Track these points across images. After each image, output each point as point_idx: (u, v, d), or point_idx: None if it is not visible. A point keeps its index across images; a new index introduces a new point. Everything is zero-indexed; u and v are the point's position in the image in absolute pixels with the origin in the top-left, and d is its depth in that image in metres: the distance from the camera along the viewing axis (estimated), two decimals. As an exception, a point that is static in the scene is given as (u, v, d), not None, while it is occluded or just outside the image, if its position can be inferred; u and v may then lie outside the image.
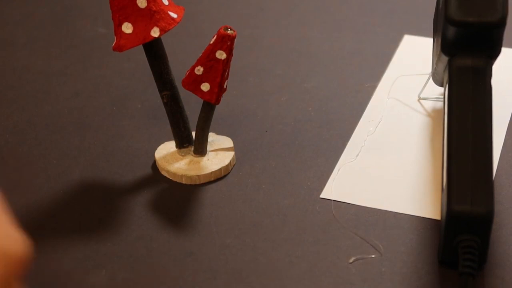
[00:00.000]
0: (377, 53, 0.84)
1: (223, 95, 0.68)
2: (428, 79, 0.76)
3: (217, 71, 0.66)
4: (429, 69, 0.76)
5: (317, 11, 0.92)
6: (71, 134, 0.75)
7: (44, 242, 0.64)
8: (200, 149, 0.70)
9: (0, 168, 0.72)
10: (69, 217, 0.67)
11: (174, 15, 0.65)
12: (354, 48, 0.85)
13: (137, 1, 0.63)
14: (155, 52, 0.66)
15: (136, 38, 0.64)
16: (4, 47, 0.88)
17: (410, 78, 0.80)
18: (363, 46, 0.85)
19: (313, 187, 0.69)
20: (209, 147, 0.71)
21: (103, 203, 0.68)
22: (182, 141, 0.71)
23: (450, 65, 0.65)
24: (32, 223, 0.66)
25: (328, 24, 0.89)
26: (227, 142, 0.72)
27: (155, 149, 0.72)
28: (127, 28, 0.64)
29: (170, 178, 0.70)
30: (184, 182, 0.69)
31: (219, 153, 0.71)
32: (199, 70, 0.66)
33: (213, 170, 0.69)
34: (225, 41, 0.65)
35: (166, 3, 0.65)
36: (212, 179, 0.70)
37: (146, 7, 0.63)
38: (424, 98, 0.78)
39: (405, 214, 0.66)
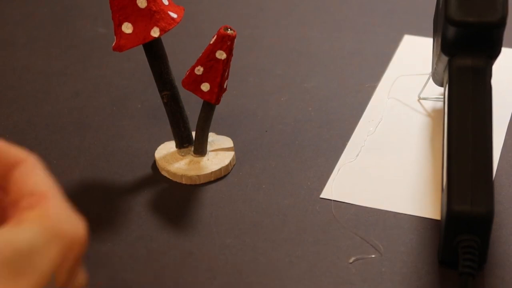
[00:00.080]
0: (377, 53, 0.84)
1: (223, 95, 0.68)
2: (428, 79, 0.76)
3: (217, 71, 0.66)
4: (429, 69, 0.76)
5: (317, 11, 0.92)
6: (71, 134, 0.75)
7: None
8: (200, 149, 0.70)
9: (0, 168, 0.72)
10: (69, 217, 0.67)
11: (174, 15, 0.65)
12: (354, 48, 0.85)
13: (137, 1, 0.63)
14: (155, 52, 0.66)
15: (136, 38, 0.64)
16: (4, 47, 0.88)
17: (410, 78, 0.80)
18: (363, 46, 0.85)
19: (313, 187, 0.69)
20: (209, 147, 0.71)
21: (103, 203, 0.68)
22: (182, 141, 0.71)
23: (450, 65, 0.65)
24: None
25: (328, 24, 0.89)
26: (227, 142, 0.72)
27: (155, 149, 0.72)
28: (127, 28, 0.64)
29: (170, 178, 0.70)
30: (184, 182, 0.69)
31: (219, 153, 0.71)
32: (199, 70, 0.66)
33: (213, 170, 0.69)
34: (225, 41, 0.65)
35: (166, 3, 0.65)
36: (212, 179, 0.70)
37: (146, 7, 0.63)
38: (424, 98, 0.78)
39: (405, 214, 0.66)
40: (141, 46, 0.66)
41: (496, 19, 0.62)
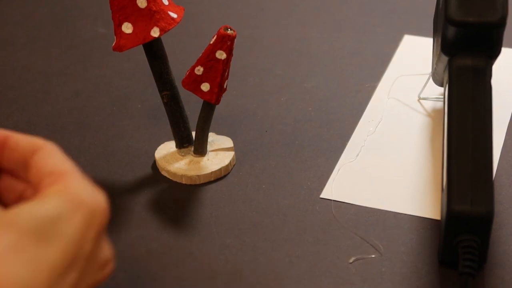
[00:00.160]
0: (377, 53, 0.84)
1: (223, 95, 0.68)
2: (428, 79, 0.76)
3: (217, 71, 0.66)
4: (429, 69, 0.76)
5: (317, 11, 0.92)
6: (71, 134, 0.75)
7: None
8: (200, 149, 0.70)
9: (0, 168, 0.72)
10: (69, 217, 0.67)
11: (174, 15, 0.65)
12: (354, 48, 0.85)
13: (137, 1, 0.63)
14: (155, 52, 0.66)
15: (136, 38, 0.64)
16: (4, 47, 0.88)
17: (410, 78, 0.80)
18: (363, 46, 0.85)
19: (313, 187, 0.69)
20: (209, 147, 0.71)
21: (103, 203, 0.68)
22: (182, 141, 0.71)
23: (450, 65, 0.65)
24: None
25: (328, 24, 0.89)
26: (227, 142, 0.72)
27: (155, 149, 0.72)
28: (127, 28, 0.64)
29: (170, 178, 0.70)
30: (184, 182, 0.69)
31: (219, 153, 0.71)
32: (199, 70, 0.66)
33: (213, 170, 0.69)
34: (225, 41, 0.65)
35: (166, 3, 0.65)
36: (212, 179, 0.70)
37: (146, 7, 0.63)
38: (424, 98, 0.78)
39: (405, 214, 0.66)
40: (141, 46, 0.66)
41: (496, 19, 0.62)
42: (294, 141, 0.74)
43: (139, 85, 0.81)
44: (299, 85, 0.80)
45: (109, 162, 0.72)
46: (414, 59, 0.83)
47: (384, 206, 0.67)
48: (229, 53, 0.65)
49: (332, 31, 0.88)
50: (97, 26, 0.90)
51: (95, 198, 0.47)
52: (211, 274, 0.61)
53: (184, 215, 0.66)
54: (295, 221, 0.66)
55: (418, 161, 0.71)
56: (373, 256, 0.62)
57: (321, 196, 0.68)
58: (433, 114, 0.76)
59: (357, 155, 0.72)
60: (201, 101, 0.68)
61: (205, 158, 0.70)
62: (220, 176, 0.70)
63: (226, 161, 0.70)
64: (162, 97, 0.68)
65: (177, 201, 0.68)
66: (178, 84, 0.68)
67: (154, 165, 0.71)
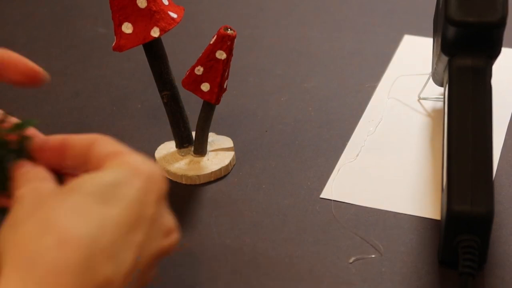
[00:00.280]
0: (377, 53, 0.84)
1: (223, 95, 0.68)
2: (428, 79, 0.76)
3: (217, 71, 0.66)
4: (429, 69, 0.76)
5: (317, 11, 0.92)
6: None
7: None
8: (200, 149, 0.70)
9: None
10: (69, 217, 0.66)
11: (174, 15, 0.65)
12: (354, 48, 0.85)
13: (137, 1, 0.63)
14: (155, 52, 0.66)
15: (136, 38, 0.64)
16: (4, 47, 0.88)
17: (410, 78, 0.80)
18: (363, 46, 0.85)
19: (313, 187, 0.69)
20: (209, 147, 0.71)
21: (103, 203, 0.68)
22: (182, 141, 0.71)
23: (450, 65, 0.65)
24: None
25: (328, 24, 0.89)
26: (227, 142, 0.72)
27: (155, 149, 0.72)
28: (127, 28, 0.64)
29: (170, 178, 0.70)
30: (184, 182, 0.69)
31: (219, 153, 0.71)
32: (199, 70, 0.66)
33: (213, 170, 0.69)
34: (225, 41, 0.65)
35: (166, 3, 0.65)
36: (212, 179, 0.70)
37: (146, 7, 0.63)
38: (424, 98, 0.78)
39: (405, 214, 0.66)
40: (141, 46, 0.66)
41: (496, 19, 0.62)
42: (294, 141, 0.74)
43: (139, 85, 0.81)
44: (299, 85, 0.80)
45: (109, 162, 0.72)
46: (414, 59, 0.83)
47: (384, 206, 0.67)
48: (229, 53, 0.65)
49: (332, 31, 0.88)
50: (97, 26, 0.90)
51: (151, 167, 0.50)
52: (211, 274, 0.61)
53: (184, 215, 0.66)
54: (295, 221, 0.66)
55: (418, 161, 0.71)
56: (373, 256, 0.62)
57: (321, 196, 0.68)
58: (433, 114, 0.76)
59: (357, 155, 0.72)
60: (201, 101, 0.68)
61: (205, 158, 0.70)
62: (220, 176, 0.70)
63: (226, 161, 0.70)
64: (162, 97, 0.68)
65: (177, 201, 0.68)
66: (178, 84, 0.68)
67: (154, 165, 0.71)
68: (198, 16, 0.91)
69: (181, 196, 0.68)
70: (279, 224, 0.65)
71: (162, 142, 0.73)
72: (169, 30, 0.64)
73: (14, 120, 0.56)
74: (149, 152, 0.72)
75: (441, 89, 0.75)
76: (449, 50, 0.65)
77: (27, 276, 0.44)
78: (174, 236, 0.52)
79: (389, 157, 0.71)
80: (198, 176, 0.69)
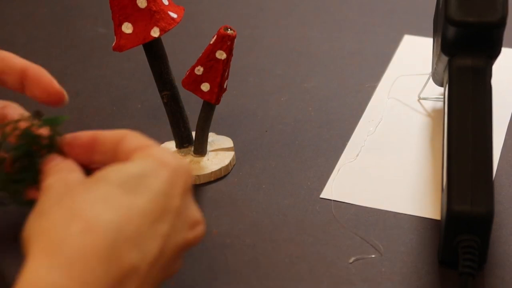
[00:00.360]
0: (377, 53, 0.84)
1: (223, 95, 0.68)
2: (428, 79, 0.76)
3: (217, 71, 0.66)
4: (429, 69, 0.76)
5: (317, 11, 0.92)
6: (71, 134, 0.75)
7: None
8: (200, 149, 0.70)
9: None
10: (69, 217, 0.66)
11: (174, 15, 0.65)
12: (354, 48, 0.85)
13: (137, 1, 0.63)
14: (155, 52, 0.66)
15: (136, 38, 0.64)
16: (4, 47, 0.87)
17: (410, 78, 0.80)
18: (363, 46, 0.85)
19: (313, 187, 0.69)
20: (209, 147, 0.71)
21: (103, 203, 0.68)
22: (182, 141, 0.71)
23: (450, 65, 0.65)
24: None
25: (328, 24, 0.89)
26: (227, 142, 0.72)
27: (155, 149, 0.72)
28: (127, 28, 0.64)
29: (170, 178, 0.70)
30: (184, 182, 0.69)
31: (219, 153, 0.71)
32: (199, 70, 0.66)
33: (213, 170, 0.69)
34: (225, 41, 0.65)
35: (166, 3, 0.65)
36: (212, 179, 0.70)
37: (146, 7, 0.63)
38: (424, 98, 0.78)
39: (405, 214, 0.66)
40: (141, 46, 0.66)
41: (496, 19, 0.62)
42: (294, 141, 0.74)
43: (139, 85, 0.81)
44: (299, 85, 0.80)
45: (109, 162, 0.72)
46: (414, 59, 0.83)
47: (384, 206, 0.67)
48: (229, 53, 0.65)
49: (332, 31, 0.88)
50: (97, 26, 0.90)
51: (178, 160, 0.51)
52: (211, 274, 0.61)
53: (184, 215, 0.66)
54: (295, 221, 0.66)
55: (418, 161, 0.71)
56: (373, 256, 0.62)
57: (321, 196, 0.68)
58: (433, 114, 0.76)
59: (357, 155, 0.72)
60: (201, 101, 0.68)
61: (205, 158, 0.70)
62: (220, 176, 0.70)
63: (226, 161, 0.70)
64: (162, 97, 0.68)
65: (177, 201, 0.68)
66: (178, 84, 0.68)
67: (154, 165, 0.71)
68: (198, 16, 0.91)
69: (181, 196, 0.68)
70: (279, 224, 0.65)
71: (162, 142, 0.73)
72: (169, 30, 0.64)
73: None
74: (149, 152, 0.72)
75: (441, 89, 0.75)
76: (449, 50, 0.65)
77: (53, 260, 0.45)
78: (200, 229, 0.53)
79: (389, 157, 0.71)
80: (198, 176, 0.69)
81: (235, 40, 0.65)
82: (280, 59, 0.84)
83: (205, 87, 0.67)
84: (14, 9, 0.94)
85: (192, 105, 0.72)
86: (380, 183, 0.69)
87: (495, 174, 0.69)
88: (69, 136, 0.55)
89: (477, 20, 0.62)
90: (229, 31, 0.64)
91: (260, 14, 0.92)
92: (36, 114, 0.57)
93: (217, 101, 0.67)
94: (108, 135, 0.53)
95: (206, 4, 0.94)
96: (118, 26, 0.64)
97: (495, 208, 0.59)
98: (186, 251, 0.52)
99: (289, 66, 0.83)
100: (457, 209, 0.58)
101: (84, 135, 0.54)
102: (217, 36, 0.65)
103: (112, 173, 0.50)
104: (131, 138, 0.53)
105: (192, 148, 0.71)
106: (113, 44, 0.65)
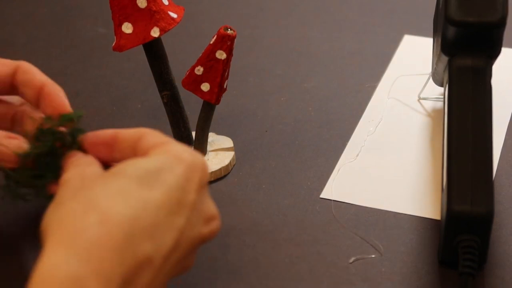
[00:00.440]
0: (377, 53, 0.84)
1: (223, 95, 0.68)
2: (428, 79, 0.76)
3: (217, 71, 0.66)
4: (429, 69, 0.76)
5: (317, 11, 0.92)
6: (71, 134, 0.75)
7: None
8: (200, 149, 0.70)
9: (0, 168, 0.72)
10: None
11: (174, 15, 0.65)
12: (354, 48, 0.85)
13: (137, 1, 0.63)
14: (155, 52, 0.66)
15: (136, 38, 0.64)
16: (4, 47, 0.88)
17: (410, 78, 0.80)
18: (363, 46, 0.85)
19: (313, 187, 0.69)
20: (209, 147, 0.71)
21: (103, 203, 0.68)
22: (182, 141, 0.71)
23: (450, 65, 0.65)
24: (33, 222, 0.66)
25: (328, 24, 0.89)
26: (227, 142, 0.72)
27: (155, 149, 0.72)
28: (127, 28, 0.64)
29: (170, 178, 0.70)
30: (184, 182, 0.69)
31: (219, 153, 0.71)
32: (199, 70, 0.66)
33: (213, 170, 0.69)
34: (225, 41, 0.65)
35: (166, 3, 0.65)
36: (212, 179, 0.70)
37: (146, 7, 0.63)
38: (424, 98, 0.78)
39: (405, 214, 0.66)
40: (141, 46, 0.66)
41: (496, 19, 0.62)
42: (294, 141, 0.74)
43: (139, 85, 0.81)
44: (299, 85, 0.80)
45: (109, 162, 0.72)
46: (414, 59, 0.83)
47: (384, 206, 0.67)
48: (229, 53, 0.65)
49: (332, 31, 0.88)
50: (97, 26, 0.90)
51: (194, 156, 0.52)
52: (211, 274, 0.61)
53: (184, 215, 0.66)
54: (295, 221, 0.66)
55: (418, 161, 0.71)
56: (373, 256, 0.62)
57: (321, 196, 0.68)
58: (433, 114, 0.76)
59: (357, 155, 0.72)
60: (201, 101, 0.68)
61: (205, 158, 0.70)
62: (220, 176, 0.70)
63: (226, 161, 0.70)
64: (162, 97, 0.68)
65: (177, 201, 0.68)
66: (178, 84, 0.68)
67: (154, 165, 0.71)
68: (198, 16, 0.91)
69: (181, 196, 0.68)
70: (279, 224, 0.65)
71: (162, 142, 0.72)
72: (169, 30, 0.64)
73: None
74: (149, 152, 0.72)
75: (441, 89, 0.75)
76: (449, 50, 0.65)
77: (69, 249, 0.46)
78: (215, 224, 0.53)
79: (389, 157, 0.71)
80: (198, 176, 0.69)
81: (235, 40, 0.65)
82: (280, 59, 0.84)
83: (205, 87, 0.67)
84: (14, 9, 0.94)
85: (192, 105, 0.72)
86: (380, 183, 0.69)
87: (495, 174, 0.69)
88: (91, 134, 0.57)
89: (477, 20, 0.62)
90: (229, 31, 0.64)
91: (260, 14, 0.92)
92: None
93: (217, 101, 0.67)
94: (128, 133, 0.55)
95: (206, 4, 0.94)
96: (118, 26, 0.64)
97: (495, 208, 0.59)
98: (201, 246, 0.53)
99: (289, 66, 0.83)
100: (457, 209, 0.58)
101: (105, 133, 0.56)
102: (217, 36, 0.65)
103: (129, 167, 0.51)
104: (150, 135, 0.54)
105: (192, 148, 0.71)
106: (113, 44, 0.65)
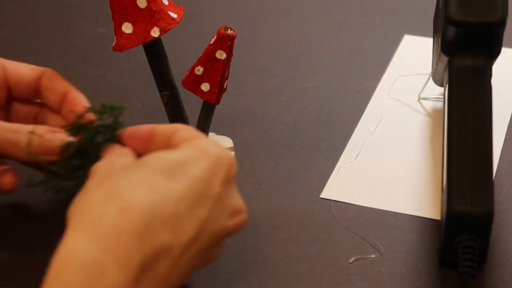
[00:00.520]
0: (377, 53, 0.84)
1: (223, 95, 0.68)
2: (428, 79, 0.76)
3: (217, 71, 0.66)
4: (429, 69, 0.76)
5: (317, 11, 0.92)
6: (71, 134, 0.75)
7: (45, 241, 0.64)
8: (200, 149, 0.70)
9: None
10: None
11: (174, 15, 0.65)
12: (354, 48, 0.85)
13: (137, 1, 0.63)
14: (155, 52, 0.66)
15: (136, 38, 0.64)
16: (4, 47, 0.88)
17: (410, 78, 0.80)
18: (363, 46, 0.85)
19: (313, 187, 0.69)
20: (209, 147, 0.71)
21: (103, 203, 0.68)
22: (182, 141, 0.70)
23: (450, 65, 0.65)
24: (32, 222, 0.66)
25: (328, 24, 0.89)
26: (227, 142, 0.72)
27: (155, 149, 0.72)
28: (127, 28, 0.64)
29: (170, 178, 0.70)
30: (184, 182, 0.69)
31: (219, 153, 0.71)
32: (199, 70, 0.66)
33: (213, 170, 0.69)
34: (225, 41, 0.65)
35: (166, 3, 0.65)
36: (212, 179, 0.69)
37: (146, 7, 0.63)
38: (424, 98, 0.78)
39: (405, 214, 0.66)
40: (141, 46, 0.66)
41: (496, 19, 0.62)
42: (294, 141, 0.73)
43: (139, 85, 0.81)
44: (299, 85, 0.80)
45: (109, 162, 0.72)
46: (414, 59, 0.83)
47: (384, 206, 0.66)
48: (229, 53, 0.65)
49: (332, 31, 0.88)
50: (97, 26, 0.90)
51: (221, 151, 0.54)
52: (212, 274, 0.61)
53: (184, 215, 0.66)
54: (295, 221, 0.66)
55: (418, 161, 0.71)
56: (373, 256, 0.62)
57: (321, 196, 0.68)
58: (433, 114, 0.76)
59: (357, 155, 0.72)
60: (201, 101, 0.68)
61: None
62: (220, 176, 0.70)
63: (226, 161, 0.70)
64: (162, 97, 0.68)
65: (177, 201, 0.68)
66: (178, 84, 0.68)
67: (154, 165, 0.71)
68: (198, 16, 0.91)
69: (181, 196, 0.68)
70: (279, 224, 0.65)
71: (162, 142, 0.72)
72: (169, 30, 0.64)
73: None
74: (149, 152, 0.72)
75: (441, 89, 0.75)
76: (449, 50, 0.65)
77: (90, 235, 0.48)
78: (241, 217, 0.55)
79: (389, 157, 0.71)
80: (198, 176, 0.69)
81: (235, 40, 0.65)
82: (280, 59, 0.84)
83: (205, 87, 0.67)
84: (14, 9, 0.94)
85: (192, 105, 0.72)
86: (380, 183, 0.69)
87: (495, 174, 0.69)
88: (130, 128, 0.59)
89: (477, 20, 0.62)
90: (229, 31, 0.64)
91: (260, 14, 0.92)
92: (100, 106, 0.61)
93: (217, 101, 0.67)
94: (163, 128, 0.57)
95: (206, 4, 0.94)
96: (118, 26, 0.64)
97: (495, 208, 0.59)
98: (226, 238, 0.54)
99: (289, 66, 0.83)
100: (457, 209, 0.58)
101: (144, 128, 0.58)
102: (217, 36, 0.65)
103: (154, 158, 0.53)
104: (183, 131, 0.56)
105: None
106: (113, 44, 0.65)
